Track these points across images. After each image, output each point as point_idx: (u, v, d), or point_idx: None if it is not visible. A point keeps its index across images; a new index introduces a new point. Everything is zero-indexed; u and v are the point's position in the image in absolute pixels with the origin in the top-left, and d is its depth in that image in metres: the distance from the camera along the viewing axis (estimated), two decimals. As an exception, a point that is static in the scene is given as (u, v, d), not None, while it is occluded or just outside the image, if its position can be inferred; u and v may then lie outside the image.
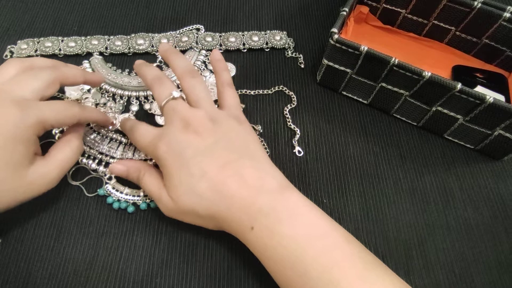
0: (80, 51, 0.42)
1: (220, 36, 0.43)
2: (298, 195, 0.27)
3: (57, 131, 0.36)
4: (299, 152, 0.36)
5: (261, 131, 0.37)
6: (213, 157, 0.28)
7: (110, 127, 0.36)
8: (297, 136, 0.37)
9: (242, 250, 0.32)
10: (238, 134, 0.29)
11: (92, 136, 0.37)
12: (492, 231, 0.33)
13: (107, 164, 0.35)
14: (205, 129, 0.29)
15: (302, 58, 0.42)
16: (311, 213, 0.26)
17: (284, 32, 0.44)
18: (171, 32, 0.44)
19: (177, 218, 0.30)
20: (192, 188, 0.27)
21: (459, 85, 0.31)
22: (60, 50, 0.42)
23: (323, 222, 0.26)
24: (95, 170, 0.35)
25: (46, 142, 0.36)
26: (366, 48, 0.33)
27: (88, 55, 0.42)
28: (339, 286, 0.23)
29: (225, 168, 0.27)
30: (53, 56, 0.42)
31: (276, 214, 0.26)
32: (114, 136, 0.37)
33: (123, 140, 0.37)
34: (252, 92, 0.40)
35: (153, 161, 0.35)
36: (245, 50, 0.43)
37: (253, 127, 0.37)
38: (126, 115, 0.38)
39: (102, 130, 0.37)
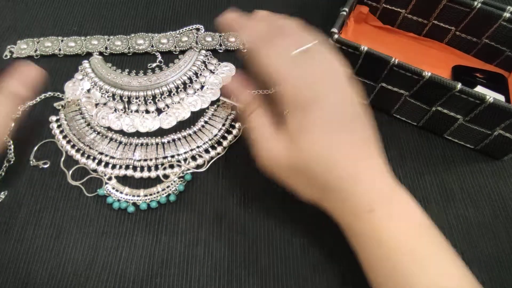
0: (80, 51, 0.42)
1: (220, 36, 0.43)
2: (408, 192, 0.27)
3: (57, 131, 0.36)
4: (299, 152, 0.36)
5: None
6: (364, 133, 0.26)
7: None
8: (297, 136, 0.37)
9: (242, 250, 0.32)
10: (372, 125, 0.28)
11: (92, 136, 0.37)
12: (493, 230, 0.33)
13: (107, 164, 0.35)
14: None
15: (302, 58, 0.42)
16: (420, 210, 0.26)
17: (284, 32, 0.44)
18: (171, 32, 0.44)
19: (277, 173, 0.27)
20: (328, 141, 0.25)
21: (459, 85, 0.31)
22: (60, 50, 0.42)
23: (426, 220, 0.26)
24: (95, 170, 0.35)
25: (47, 141, 0.36)
26: (366, 48, 0.33)
27: (88, 55, 0.42)
28: None
29: (363, 146, 0.26)
30: (53, 56, 0.42)
31: (399, 204, 0.26)
32: (114, 136, 0.37)
33: (123, 140, 0.37)
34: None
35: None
36: (245, 50, 0.43)
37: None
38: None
39: (102, 130, 0.37)
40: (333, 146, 0.25)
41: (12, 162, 0.35)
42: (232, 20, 0.30)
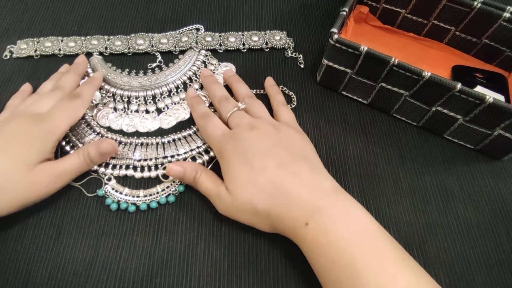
0: (80, 51, 0.42)
1: (220, 36, 0.43)
2: (350, 197, 0.28)
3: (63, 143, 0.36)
4: (299, 152, 0.36)
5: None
6: (274, 155, 0.30)
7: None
8: (297, 136, 0.37)
9: (242, 250, 0.32)
10: (296, 140, 0.32)
11: (91, 137, 0.36)
12: (493, 230, 0.33)
13: (107, 165, 0.35)
14: (268, 131, 0.32)
15: (302, 58, 0.42)
16: (362, 215, 0.27)
17: (284, 32, 0.44)
18: (171, 32, 0.44)
19: (232, 216, 0.31)
20: (252, 180, 0.29)
21: (459, 85, 0.31)
22: (59, 50, 0.42)
23: (372, 225, 0.27)
24: (95, 171, 0.35)
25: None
26: (366, 48, 0.33)
27: (88, 55, 0.42)
28: None
29: (284, 166, 0.29)
30: (53, 56, 0.42)
31: (331, 213, 0.27)
32: (114, 136, 0.37)
33: (123, 140, 0.37)
34: (252, 92, 0.40)
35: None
36: (245, 50, 0.43)
37: None
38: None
39: (102, 131, 0.37)
40: (255, 181, 0.29)
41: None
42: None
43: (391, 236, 0.27)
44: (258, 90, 0.40)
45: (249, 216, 0.30)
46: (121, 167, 0.35)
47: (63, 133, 0.33)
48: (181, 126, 0.38)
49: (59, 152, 0.36)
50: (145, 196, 0.34)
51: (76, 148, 0.36)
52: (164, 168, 0.35)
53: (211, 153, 0.36)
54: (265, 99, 0.39)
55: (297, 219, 0.27)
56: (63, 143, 0.36)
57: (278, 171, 0.29)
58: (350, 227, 0.26)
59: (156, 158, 0.35)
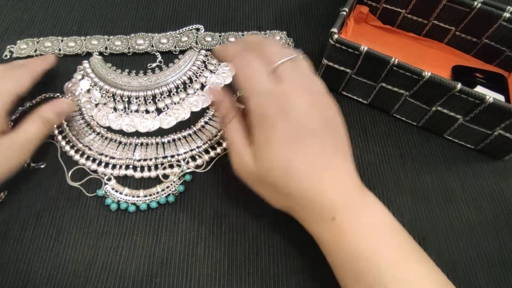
0: (79, 51, 0.42)
1: (220, 36, 0.43)
2: (371, 193, 0.28)
3: (56, 132, 0.36)
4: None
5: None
6: (320, 140, 0.27)
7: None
8: (297, 136, 0.37)
9: (242, 250, 0.32)
10: (344, 134, 0.29)
11: (91, 137, 0.36)
12: (495, 229, 0.33)
13: (106, 165, 0.35)
14: (323, 104, 0.28)
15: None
16: (384, 209, 0.27)
17: (284, 32, 0.44)
18: (171, 32, 0.44)
19: (247, 180, 0.29)
20: (289, 160, 0.26)
21: (459, 85, 0.31)
22: (59, 50, 0.42)
23: (392, 219, 0.26)
24: (94, 171, 0.35)
25: (46, 142, 0.36)
26: (366, 48, 0.33)
27: (88, 55, 0.42)
28: None
29: (325, 154, 0.27)
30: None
31: (358, 207, 0.26)
32: (114, 136, 0.37)
33: (123, 140, 0.37)
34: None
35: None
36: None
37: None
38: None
39: (102, 131, 0.37)
40: (294, 157, 0.26)
41: (12, 162, 0.35)
42: (219, 51, 0.32)
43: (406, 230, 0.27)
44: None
45: (266, 188, 0.28)
46: (121, 167, 0.35)
47: (10, 102, 0.32)
48: (181, 126, 0.38)
49: (60, 152, 0.36)
50: (145, 196, 0.34)
51: (76, 148, 0.36)
52: (164, 168, 0.35)
53: (211, 153, 0.36)
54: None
55: (323, 213, 0.26)
56: (63, 143, 0.36)
57: (318, 159, 0.26)
58: (374, 221, 0.26)
59: (156, 158, 0.35)
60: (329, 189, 0.26)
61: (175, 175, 0.34)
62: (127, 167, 0.35)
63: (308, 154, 0.26)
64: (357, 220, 0.26)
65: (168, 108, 0.39)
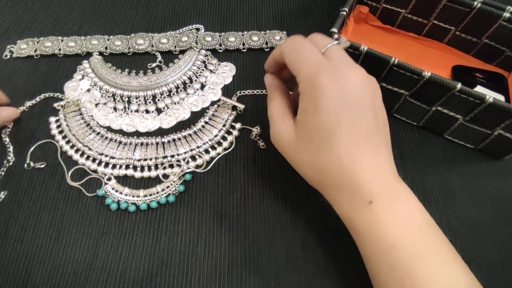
0: (79, 51, 0.42)
1: (220, 36, 0.43)
2: (409, 189, 0.27)
3: (56, 132, 0.36)
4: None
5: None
6: (368, 119, 0.26)
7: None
8: (297, 136, 0.37)
9: (242, 249, 0.32)
10: (387, 121, 0.29)
11: (91, 137, 0.36)
12: (495, 229, 0.33)
13: (106, 164, 0.35)
14: (372, 83, 0.28)
15: (302, 58, 0.42)
16: (418, 203, 0.27)
17: (284, 32, 0.44)
18: (171, 32, 0.44)
19: (282, 151, 0.29)
20: (337, 115, 0.25)
21: (459, 85, 0.31)
22: (60, 50, 0.42)
23: (424, 211, 0.26)
24: (94, 171, 0.35)
25: (46, 142, 0.36)
26: (366, 48, 0.33)
27: (88, 55, 0.42)
28: None
29: (372, 136, 0.27)
30: (53, 56, 0.42)
31: (397, 195, 0.26)
32: (114, 136, 0.37)
33: (123, 140, 0.37)
34: (252, 92, 0.40)
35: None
36: (244, 50, 0.43)
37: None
38: None
39: (102, 131, 0.37)
40: (339, 128, 0.25)
41: (11, 163, 0.35)
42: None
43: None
44: (258, 91, 0.40)
45: (301, 162, 0.28)
46: (121, 167, 0.35)
47: None
48: (181, 126, 0.38)
49: (60, 152, 0.36)
50: (145, 196, 0.34)
51: (76, 148, 0.36)
52: (164, 168, 0.35)
53: (211, 153, 0.36)
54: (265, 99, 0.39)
55: (359, 195, 0.26)
56: (63, 143, 0.36)
57: (362, 136, 0.26)
58: (410, 212, 0.26)
59: (156, 158, 0.35)
60: (368, 171, 0.26)
61: (175, 175, 0.34)
62: (127, 167, 0.35)
63: (354, 132, 0.26)
64: (393, 207, 0.25)
65: (168, 108, 0.39)
